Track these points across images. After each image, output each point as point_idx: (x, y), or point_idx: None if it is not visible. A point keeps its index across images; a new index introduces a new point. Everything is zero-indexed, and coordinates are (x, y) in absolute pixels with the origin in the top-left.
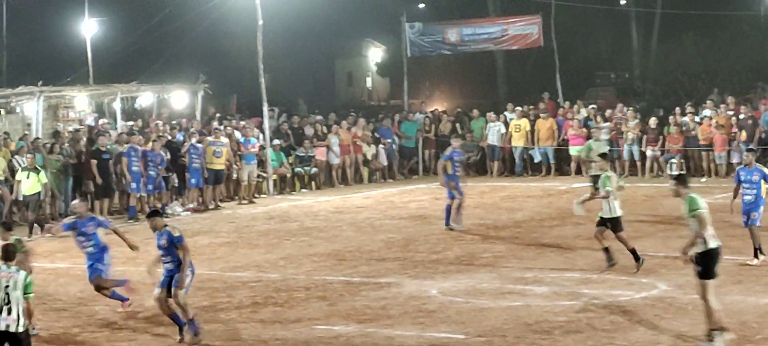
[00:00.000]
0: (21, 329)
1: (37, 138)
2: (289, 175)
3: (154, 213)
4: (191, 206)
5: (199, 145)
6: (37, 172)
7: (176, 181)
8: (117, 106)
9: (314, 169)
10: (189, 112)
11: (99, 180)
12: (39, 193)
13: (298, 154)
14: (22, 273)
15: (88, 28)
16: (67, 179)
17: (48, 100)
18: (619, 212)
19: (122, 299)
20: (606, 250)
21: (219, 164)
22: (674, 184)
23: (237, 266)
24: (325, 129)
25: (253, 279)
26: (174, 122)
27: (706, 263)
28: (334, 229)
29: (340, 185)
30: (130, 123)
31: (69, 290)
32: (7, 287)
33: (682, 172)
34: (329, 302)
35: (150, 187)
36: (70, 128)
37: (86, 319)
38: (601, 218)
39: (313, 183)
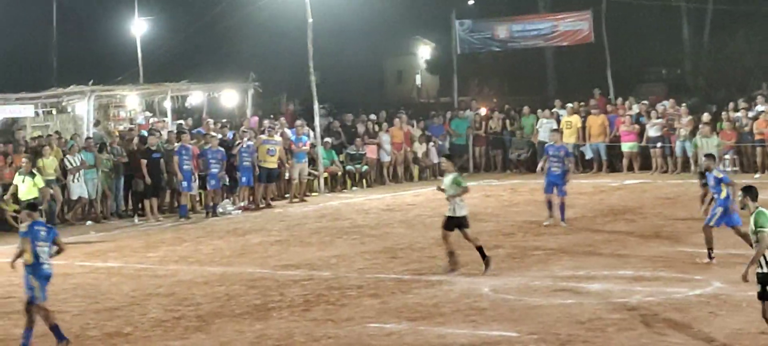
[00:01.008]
0: None
1: (89, 137)
2: (340, 173)
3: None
4: (242, 204)
5: (251, 143)
6: (33, 176)
7: (227, 179)
8: (167, 105)
9: (365, 167)
10: (239, 111)
11: (148, 179)
12: (36, 198)
13: (349, 152)
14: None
15: (138, 27)
16: (118, 178)
17: (99, 100)
18: (464, 212)
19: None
20: (451, 254)
21: (272, 163)
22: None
23: (289, 264)
24: (376, 127)
25: (304, 277)
26: (225, 120)
27: (765, 283)
28: (385, 226)
29: (391, 183)
30: (181, 122)
31: (121, 289)
32: None
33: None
34: (381, 299)
35: (213, 183)
36: (121, 127)
37: (138, 318)
38: (448, 218)
39: (364, 181)
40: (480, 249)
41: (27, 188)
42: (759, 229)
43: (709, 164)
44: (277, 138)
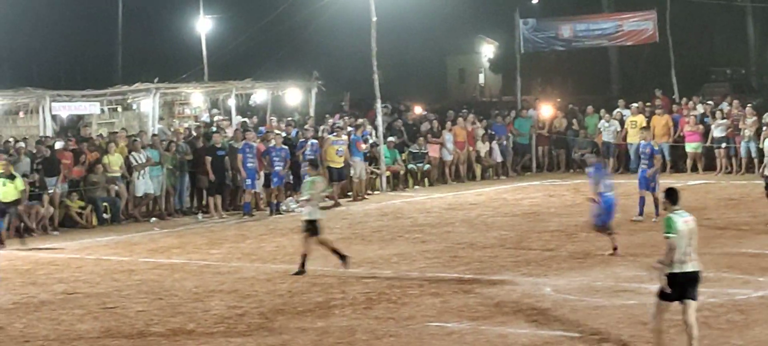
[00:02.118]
0: None
1: (155, 134)
2: (402, 171)
3: None
4: None
5: (315, 141)
6: (13, 179)
7: (291, 177)
8: (232, 103)
9: (427, 166)
10: (308, 110)
11: (212, 177)
12: (18, 199)
13: (412, 150)
14: None
15: (203, 25)
16: (183, 175)
17: (164, 97)
18: (317, 216)
19: None
20: (303, 256)
21: (340, 162)
22: (664, 199)
23: (352, 262)
24: (439, 126)
25: (366, 275)
26: (289, 119)
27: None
28: (447, 226)
29: (453, 182)
30: (245, 119)
31: (185, 285)
32: None
33: (673, 188)
34: (442, 298)
35: (276, 180)
36: (185, 125)
37: (201, 315)
38: (305, 221)
39: (426, 180)
40: (335, 252)
41: (7, 190)
42: (664, 235)
43: None
44: (345, 137)
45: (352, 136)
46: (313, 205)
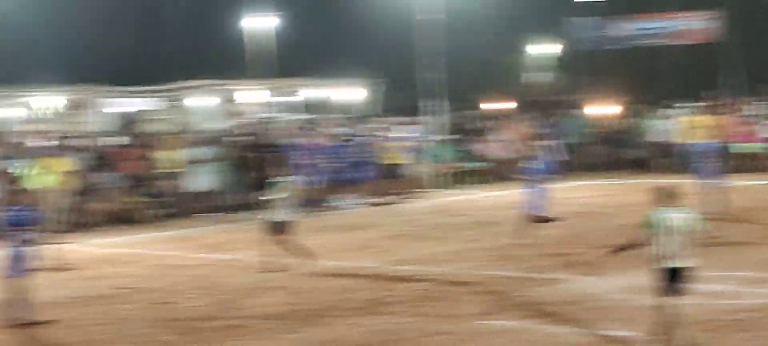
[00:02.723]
0: None
1: (209, 131)
2: (459, 169)
3: None
4: (360, 199)
5: (370, 139)
6: (55, 170)
7: (348, 174)
8: (287, 100)
9: (485, 164)
10: (365, 107)
11: (266, 173)
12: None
13: (467, 148)
14: None
15: (262, 22)
16: (238, 171)
17: (220, 94)
18: (289, 217)
19: None
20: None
21: (397, 159)
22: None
23: (404, 259)
24: (496, 124)
25: (418, 273)
26: (347, 116)
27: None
28: (502, 224)
29: (510, 180)
30: (303, 117)
31: (237, 281)
32: None
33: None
34: (494, 296)
35: (331, 177)
36: (242, 121)
37: (253, 310)
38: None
39: (483, 177)
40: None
41: (46, 179)
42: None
43: None
44: (399, 135)
45: (413, 134)
46: (288, 206)
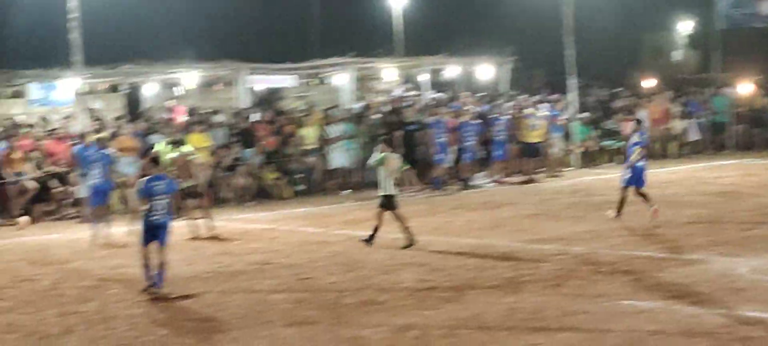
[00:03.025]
0: None
1: (349, 108)
2: (595, 148)
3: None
4: (496, 177)
5: (505, 117)
6: (180, 145)
7: (482, 152)
8: (424, 77)
9: (621, 143)
10: (499, 85)
11: (403, 150)
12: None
13: (606, 127)
14: None
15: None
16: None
17: (358, 71)
18: (392, 191)
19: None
20: (376, 229)
21: (534, 137)
22: None
23: (541, 238)
24: (633, 103)
25: (557, 252)
26: (482, 94)
27: None
28: (640, 203)
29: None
30: (438, 95)
31: (376, 257)
32: None
33: None
34: (634, 276)
35: (468, 155)
36: (378, 99)
37: (392, 287)
38: (381, 196)
39: (619, 157)
40: (407, 229)
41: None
42: None
43: None
44: (540, 113)
45: (550, 112)
46: (387, 181)
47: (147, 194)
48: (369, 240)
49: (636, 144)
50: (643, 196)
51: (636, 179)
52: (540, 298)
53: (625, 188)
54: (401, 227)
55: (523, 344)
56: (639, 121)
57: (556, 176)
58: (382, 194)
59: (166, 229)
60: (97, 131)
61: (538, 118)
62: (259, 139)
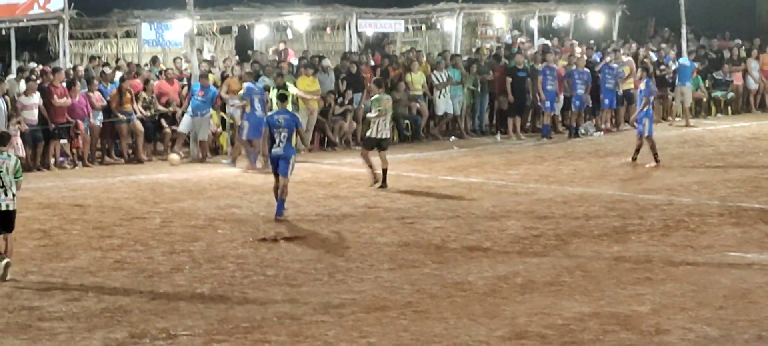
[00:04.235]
0: (12, 208)
1: (457, 55)
2: (705, 99)
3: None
4: (604, 126)
5: (615, 65)
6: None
7: (590, 101)
8: (534, 24)
9: (731, 94)
10: (606, 34)
11: (511, 98)
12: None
13: (716, 77)
14: (13, 158)
15: None
16: (483, 96)
17: (467, 17)
18: (386, 134)
19: None
20: (370, 167)
21: (626, 85)
22: None
23: (649, 188)
24: (744, 53)
25: (664, 202)
26: (591, 42)
27: None
28: (750, 155)
29: (757, 111)
30: (547, 42)
31: (482, 204)
32: (0, 172)
33: None
34: (742, 229)
35: (577, 104)
36: (488, 45)
37: (497, 234)
38: (368, 137)
39: (729, 108)
40: (384, 172)
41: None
42: None
43: None
44: (624, 59)
45: (675, 62)
46: (380, 121)
47: (270, 126)
48: (383, 185)
49: (642, 93)
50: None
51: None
52: (647, 248)
53: (642, 136)
54: (376, 167)
55: (629, 293)
56: (647, 70)
57: (664, 126)
58: (372, 136)
59: (288, 161)
60: (206, 73)
61: (623, 64)
62: (366, 84)
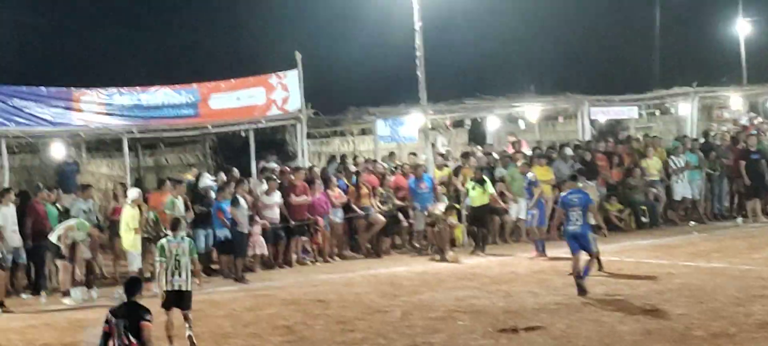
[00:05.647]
0: (189, 288)
1: (695, 139)
2: None
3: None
4: None
5: None
6: (483, 183)
7: None
8: None
9: None
10: None
11: (747, 181)
12: (486, 204)
13: None
14: (187, 240)
15: (742, 28)
16: (722, 179)
17: (702, 101)
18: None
19: None
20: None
21: None
22: None
23: None
24: None
25: None
26: None
27: None
28: None
29: None
30: None
31: (726, 289)
32: (177, 255)
33: None
34: None
35: None
36: (724, 129)
37: (743, 319)
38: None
39: None
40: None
41: (476, 194)
42: None
43: None
44: None
45: None
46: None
47: (564, 205)
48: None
49: None
50: None
51: None
52: None
53: None
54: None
55: None
56: None
57: None
58: None
59: (586, 236)
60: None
61: None
62: (601, 171)
